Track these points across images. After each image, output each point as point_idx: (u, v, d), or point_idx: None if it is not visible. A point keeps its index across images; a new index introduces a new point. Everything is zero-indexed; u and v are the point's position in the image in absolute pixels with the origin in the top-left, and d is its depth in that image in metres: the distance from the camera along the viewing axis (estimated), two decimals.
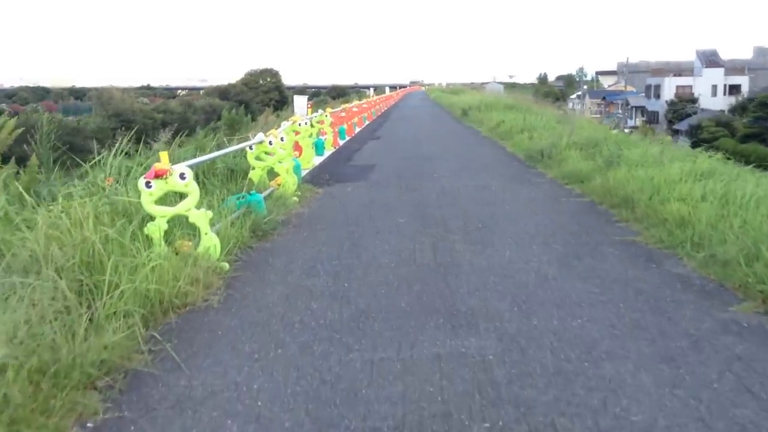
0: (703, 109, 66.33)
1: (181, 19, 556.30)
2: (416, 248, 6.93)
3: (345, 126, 22.19)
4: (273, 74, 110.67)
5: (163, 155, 6.04)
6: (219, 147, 11.19)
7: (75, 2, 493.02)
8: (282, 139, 10.56)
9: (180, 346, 4.47)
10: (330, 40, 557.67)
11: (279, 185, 9.80)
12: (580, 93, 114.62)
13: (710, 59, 75.70)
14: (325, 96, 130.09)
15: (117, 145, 9.44)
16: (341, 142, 19.95)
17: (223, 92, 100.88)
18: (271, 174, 10.12)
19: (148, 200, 5.92)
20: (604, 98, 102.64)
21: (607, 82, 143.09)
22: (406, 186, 11.32)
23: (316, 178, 12.37)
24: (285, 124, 13.58)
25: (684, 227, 6.91)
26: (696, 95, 72.44)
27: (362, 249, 6.98)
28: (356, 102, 28.86)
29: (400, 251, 6.83)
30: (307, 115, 22.09)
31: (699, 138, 53.43)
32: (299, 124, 14.09)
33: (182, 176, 6.03)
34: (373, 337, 4.56)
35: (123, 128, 74.70)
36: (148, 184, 5.90)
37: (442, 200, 9.89)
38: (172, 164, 6.14)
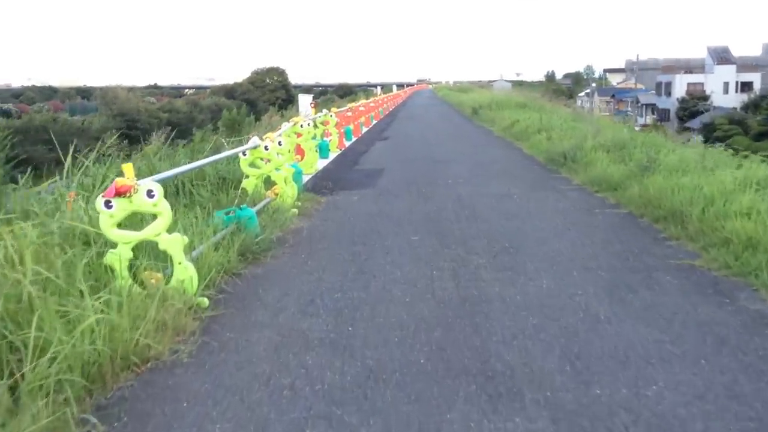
0: (715, 107, 64.85)
1: (190, 18, 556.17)
2: (434, 276, 5.80)
3: (351, 126, 21.06)
4: (279, 73, 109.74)
5: (127, 168, 4.92)
6: (217, 151, 10.05)
7: (83, 2, 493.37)
8: (280, 143, 9.44)
9: (129, 428, 3.35)
10: (337, 39, 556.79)
11: (276, 195, 8.67)
12: (588, 91, 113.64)
13: (722, 56, 74.19)
14: (332, 95, 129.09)
15: (98, 147, 8.36)
16: (347, 144, 18.84)
17: (230, 91, 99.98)
18: (269, 183, 8.99)
19: (107, 223, 4.81)
20: (613, 96, 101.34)
21: (615, 80, 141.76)
22: (418, 194, 10.18)
23: (319, 184, 11.25)
24: (285, 126, 12.47)
25: (754, 249, 5.76)
26: (707, 92, 70.96)
27: (370, 276, 5.85)
28: (363, 101, 27.72)
29: (415, 280, 5.69)
30: (311, 114, 21.07)
31: (713, 136, 52.10)
32: (301, 125, 12.97)
33: (150, 194, 4.91)
34: (385, 415, 3.42)
35: (127, 128, 73.93)
36: (107, 204, 4.79)
37: (459, 212, 8.77)
38: (156, 175, 5.06)
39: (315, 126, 14.59)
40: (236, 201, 7.72)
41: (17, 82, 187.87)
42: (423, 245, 6.90)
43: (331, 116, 17.00)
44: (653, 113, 79.23)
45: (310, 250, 6.86)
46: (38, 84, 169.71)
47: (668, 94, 74.44)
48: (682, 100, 71.22)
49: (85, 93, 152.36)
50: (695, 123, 64.19)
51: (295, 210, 8.67)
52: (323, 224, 8.21)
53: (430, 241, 7.06)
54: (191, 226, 6.07)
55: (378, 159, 15.12)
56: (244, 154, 8.65)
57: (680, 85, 72.91)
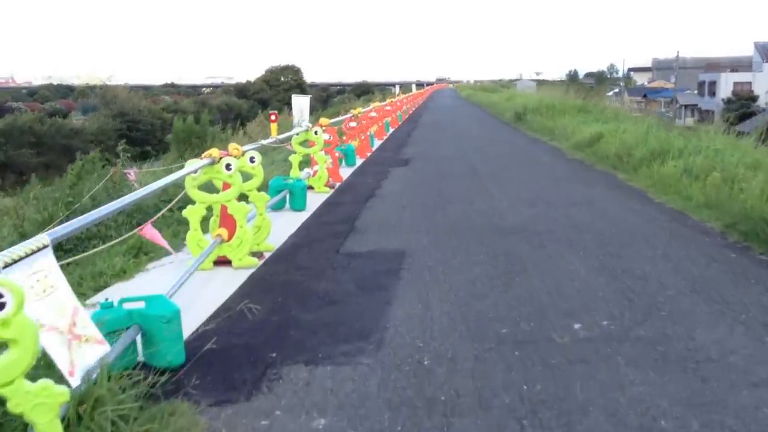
0: None
1: (211, 17, 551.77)
2: None
3: (355, 143, 14.02)
4: (294, 71, 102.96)
5: None
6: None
7: (103, 2, 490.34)
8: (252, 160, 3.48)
9: None
10: (355, 38, 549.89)
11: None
12: (617, 90, 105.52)
13: None
14: (350, 93, 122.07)
15: None
16: (345, 175, 11.75)
17: (241, 90, 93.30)
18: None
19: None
20: (644, 96, 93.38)
21: (640, 79, 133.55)
22: (514, 343, 3.18)
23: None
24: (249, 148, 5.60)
25: None
26: (755, 93, 63.12)
27: None
28: (376, 104, 20.66)
29: None
30: (305, 123, 14.46)
31: None
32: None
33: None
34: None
35: (128, 129, 67.03)
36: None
37: None
38: None
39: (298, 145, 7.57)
40: None
41: (37, 80, 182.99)
42: None
43: (317, 133, 9.93)
44: (693, 114, 71.38)
45: None
46: (57, 82, 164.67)
47: (712, 94, 66.58)
48: (728, 101, 63.40)
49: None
50: (747, 126, 56.27)
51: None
52: None
53: None
54: None
55: (393, 212, 8.05)
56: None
57: (725, 85, 65.06)
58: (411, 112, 34.18)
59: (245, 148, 6.32)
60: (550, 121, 20.33)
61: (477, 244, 6.31)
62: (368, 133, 15.77)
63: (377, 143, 17.56)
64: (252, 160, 6.25)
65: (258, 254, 6.08)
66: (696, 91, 76.85)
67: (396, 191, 9.69)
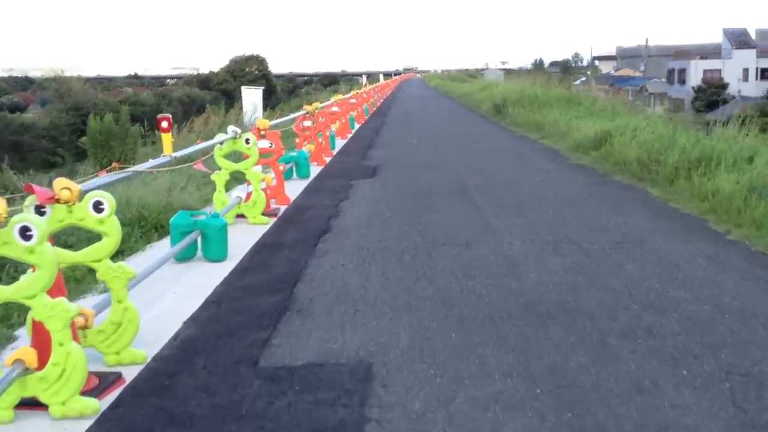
0: (742, 96, 55.37)
1: (176, 6, 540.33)
2: None
3: (310, 147, 11.21)
4: (259, 61, 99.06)
5: None
6: None
7: None
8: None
9: None
10: (322, 28, 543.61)
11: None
12: (583, 79, 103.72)
13: (740, 39, 64.64)
14: (316, 84, 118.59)
15: None
16: (296, 192, 8.89)
17: (204, 81, 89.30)
18: None
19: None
20: (611, 84, 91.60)
21: (605, 68, 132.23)
22: None
23: None
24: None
25: None
26: (725, 80, 61.47)
27: None
28: (338, 97, 17.70)
29: None
30: (258, 117, 12.17)
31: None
32: None
33: None
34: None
35: (83, 123, 63.00)
36: None
37: None
38: None
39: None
40: None
41: None
42: None
43: (248, 142, 7.09)
44: (662, 103, 69.59)
45: None
46: (18, 75, 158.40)
47: (682, 82, 64.84)
48: (698, 89, 61.65)
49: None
50: (717, 114, 54.47)
51: None
52: None
53: None
54: None
55: (352, 278, 5.12)
56: None
57: (695, 72, 63.31)
58: (379, 104, 31.38)
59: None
60: (536, 114, 17.72)
61: (494, 350, 3.60)
62: (328, 133, 12.95)
63: (340, 144, 14.75)
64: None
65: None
66: (664, 79, 75.24)
67: (359, 223, 6.91)
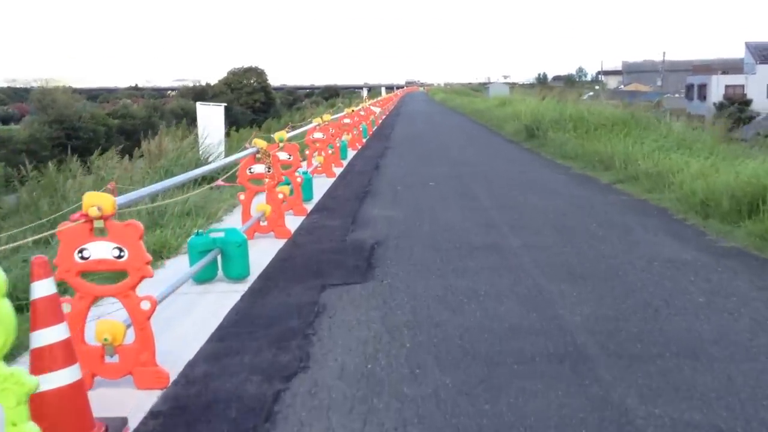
0: None
1: (179, 17, 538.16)
2: None
3: (265, 212, 6.42)
4: (258, 73, 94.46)
5: None
6: None
7: (70, 3, 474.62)
8: None
9: None
10: (325, 41, 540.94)
11: None
12: (591, 93, 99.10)
13: (764, 53, 59.96)
14: (317, 96, 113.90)
15: None
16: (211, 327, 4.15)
17: (200, 93, 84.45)
18: None
19: None
20: (622, 99, 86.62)
21: (611, 83, 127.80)
22: None
23: None
24: None
25: None
26: (748, 96, 56.78)
27: None
28: (326, 118, 12.64)
29: None
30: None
31: None
32: None
33: None
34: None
35: (66, 137, 58.23)
36: None
37: None
38: None
39: None
40: None
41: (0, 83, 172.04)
42: None
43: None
44: (678, 120, 64.77)
45: None
46: (21, 86, 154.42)
47: (702, 97, 60.12)
48: (720, 106, 56.92)
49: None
50: (746, 132, 49.68)
51: None
52: None
53: None
54: None
55: None
56: None
57: (717, 88, 58.61)
58: (381, 121, 26.64)
59: None
60: (591, 142, 12.96)
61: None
62: (300, 178, 8.13)
63: (321, 187, 9.95)
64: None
65: None
66: (678, 95, 70.63)
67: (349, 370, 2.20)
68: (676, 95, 72.02)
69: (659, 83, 73.61)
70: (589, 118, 15.52)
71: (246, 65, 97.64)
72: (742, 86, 58.55)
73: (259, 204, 6.64)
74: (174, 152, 13.25)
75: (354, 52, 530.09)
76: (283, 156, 7.70)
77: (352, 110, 16.88)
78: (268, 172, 6.58)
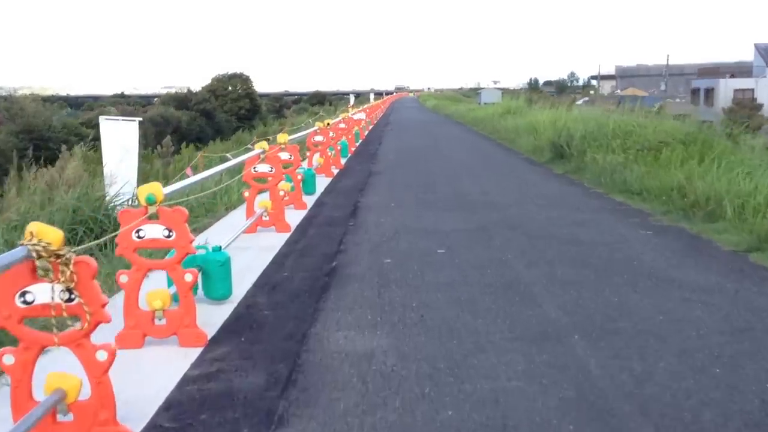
0: None
1: (167, 25, 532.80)
2: None
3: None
4: (243, 80, 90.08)
5: None
6: None
7: (58, 8, 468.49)
8: None
9: None
10: (312, 47, 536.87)
11: None
12: (586, 99, 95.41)
13: None
14: (305, 103, 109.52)
15: None
16: None
17: (182, 101, 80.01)
18: None
19: None
20: (619, 104, 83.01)
21: (604, 88, 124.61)
22: None
23: None
24: None
25: None
26: (758, 100, 53.15)
27: None
28: (280, 139, 8.54)
29: None
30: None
31: None
32: None
33: None
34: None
35: (35, 148, 53.76)
36: None
37: None
38: None
39: None
40: None
41: None
42: None
43: None
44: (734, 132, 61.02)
45: None
46: (4, 93, 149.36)
47: (709, 102, 56.45)
48: (729, 110, 53.21)
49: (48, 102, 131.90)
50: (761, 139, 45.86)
51: None
52: None
53: None
54: None
55: None
56: None
57: (725, 92, 54.95)
58: (366, 133, 22.50)
59: None
60: (663, 170, 8.95)
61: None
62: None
63: (252, 272, 5.83)
64: None
65: None
66: (679, 99, 66.97)
67: None
68: (678, 100, 68.45)
69: (663, 87, 69.85)
70: (642, 132, 11.50)
71: (232, 71, 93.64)
72: (752, 90, 54.92)
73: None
74: (78, 184, 9.10)
75: (342, 59, 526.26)
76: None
77: (327, 124, 12.70)
78: None
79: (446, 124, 28.75)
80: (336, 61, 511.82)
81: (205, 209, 8.32)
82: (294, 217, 7.73)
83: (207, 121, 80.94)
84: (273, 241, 6.56)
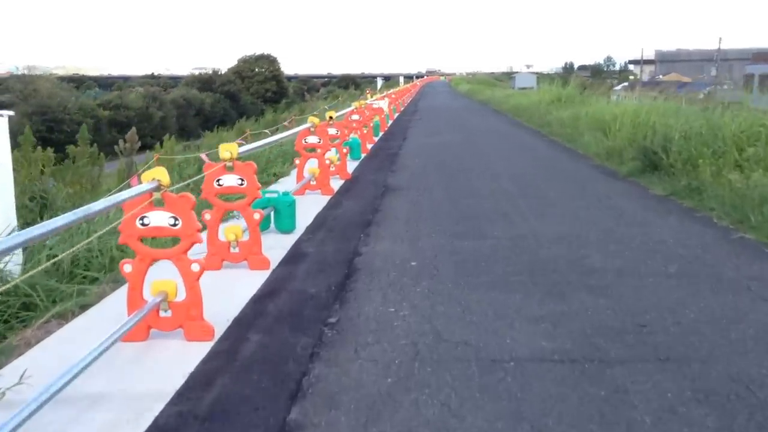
0: None
1: (201, 5, 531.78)
2: None
3: None
4: (270, 61, 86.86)
5: None
6: None
7: None
8: None
9: None
10: (344, 29, 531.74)
11: None
12: (626, 84, 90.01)
13: None
14: (333, 86, 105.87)
15: None
16: None
17: (207, 82, 77.06)
18: None
19: None
20: (661, 91, 78.08)
21: (644, 73, 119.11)
22: None
23: None
24: None
25: None
26: None
27: None
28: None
29: None
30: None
31: None
32: None
33: None
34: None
35: (47, 130, 51.05)
36: None
37: None
38: None
39: None
40: None
41: (20, 69, 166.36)
42: None
43: None
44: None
45: None
46: (40, 72, 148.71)
47: (765, 89, 51.48)
48: None
49: (77, 83, 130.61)
50: None
51: None
52: None
53: None
54: None
55: None
56: None
57: None
58: (388, 124, 18.82)
59: None
60: None
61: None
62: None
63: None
64: None
65: None
66: (726, 86, 61.98)
67: None
68: (725, 86, 63.49)
69: (713, 72, 64.76)
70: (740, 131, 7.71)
71: (259, 53, 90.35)
72: None
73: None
74: None
75: (373, 41, 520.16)
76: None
77: (330, 118, 9.09)
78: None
79: (483, 113, 24.83)
80: (366, 45, 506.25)
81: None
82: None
83: (231, 104, 77.70)
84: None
